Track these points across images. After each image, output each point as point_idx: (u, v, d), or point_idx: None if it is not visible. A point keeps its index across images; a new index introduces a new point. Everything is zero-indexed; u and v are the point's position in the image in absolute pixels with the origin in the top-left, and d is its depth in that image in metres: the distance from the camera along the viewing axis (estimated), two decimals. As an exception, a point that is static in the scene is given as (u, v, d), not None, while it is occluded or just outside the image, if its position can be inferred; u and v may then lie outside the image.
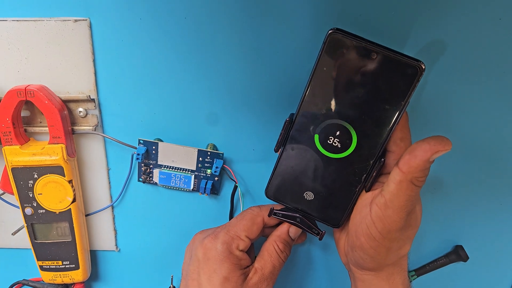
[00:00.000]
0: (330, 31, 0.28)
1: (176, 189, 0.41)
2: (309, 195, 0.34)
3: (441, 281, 0.44)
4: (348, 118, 0.30)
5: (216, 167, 0.38)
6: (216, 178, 0.39)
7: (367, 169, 0.31)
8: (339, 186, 0.33)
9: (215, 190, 0.40)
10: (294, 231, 0.37)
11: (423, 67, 0.27)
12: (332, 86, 0.30)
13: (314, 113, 0.31)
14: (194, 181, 0.40)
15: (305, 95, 0.31)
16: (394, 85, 0.28)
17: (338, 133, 0.31)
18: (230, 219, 0.41)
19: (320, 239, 0.36)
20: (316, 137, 0.32)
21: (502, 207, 0.40)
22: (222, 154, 0.38)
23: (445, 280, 0.44)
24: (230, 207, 0.41)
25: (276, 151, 0.34)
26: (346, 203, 0.33)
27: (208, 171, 0.39)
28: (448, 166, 0.39)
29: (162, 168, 0.39)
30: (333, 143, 0.31)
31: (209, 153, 0.38)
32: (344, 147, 0.31)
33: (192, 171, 0.39)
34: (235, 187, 0.40)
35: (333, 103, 0.30)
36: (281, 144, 0.33)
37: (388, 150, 0.31)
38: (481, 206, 0.40)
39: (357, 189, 0.32)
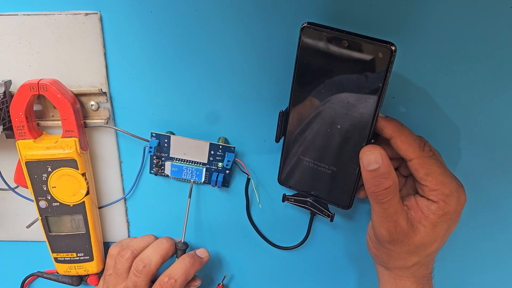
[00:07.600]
0: (302, 26, 0.29)
1: (187, 181, 0.41)
2: (316, 180, 0.36)
3: (443, 280, 0.44)
4: (334, 105, 0.31)
5: (228, 161, 0.38)
6: (227, 171, 0.40)
7: None
8: (341, 170, 0.34)
9: (226, 183, 0.41)
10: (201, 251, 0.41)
11: (394, 48, 0.27)
12: (314, 78, 0.31)
13: (302, 105, 0.33)
14: (206, 174, 0.40)
15: (292, 88, 0.32)
16: (369, 69, 0.29)
17: (328, 121, 0.32)
18: (247, 213, 0.42)
19: (331, 220, 0.37)
20: (311, 124, 0.33)
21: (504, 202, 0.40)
22: (234, 148, 0.38)
23: (447, 278, 0.44)
24: (246, 200, 0.41)
25: (277, 141, 0.35)
26: (350, 185, 0.34)
27: (220, 164, 0.39)
28: (455, 160, 0.39)
29: (174, 161, 0.39)
30: (326, 131, 0.33)
31: (220, 146, 0.38)
32: (338, 132, 0.32)
33: (203, 164, 0.39)
34: (248, 180, 0.40)
35: (318, 93, 0.31)
36: (281, 133, 0.35)
37: (423, 185, 0.32)
38: (485, 201, 0.40)
39: (356, 171, 0.34)
